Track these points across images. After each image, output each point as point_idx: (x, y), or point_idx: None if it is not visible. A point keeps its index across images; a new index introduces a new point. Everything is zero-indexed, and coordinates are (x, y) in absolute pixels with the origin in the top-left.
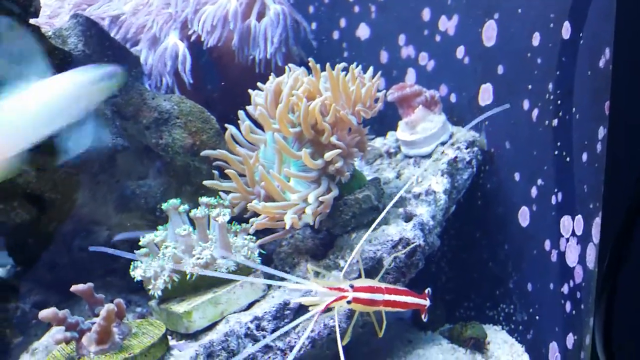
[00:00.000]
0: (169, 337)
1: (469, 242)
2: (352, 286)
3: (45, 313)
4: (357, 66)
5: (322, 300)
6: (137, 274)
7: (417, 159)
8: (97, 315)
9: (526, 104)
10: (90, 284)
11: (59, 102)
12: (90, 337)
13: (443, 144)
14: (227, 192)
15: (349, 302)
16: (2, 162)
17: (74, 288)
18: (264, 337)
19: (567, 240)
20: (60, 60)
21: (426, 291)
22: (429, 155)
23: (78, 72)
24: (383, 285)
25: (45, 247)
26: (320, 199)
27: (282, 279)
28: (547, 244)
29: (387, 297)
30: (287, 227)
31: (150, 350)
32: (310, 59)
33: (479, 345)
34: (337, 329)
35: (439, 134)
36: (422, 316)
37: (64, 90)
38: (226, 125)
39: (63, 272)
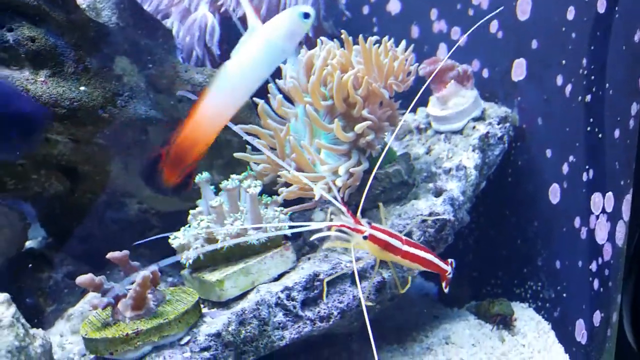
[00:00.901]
0: (201, 305)
1: (498, 219)
2: (369, 223)
3: (82, 279)
4: (389, 40)
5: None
6: (175, 243)
7: (447, 134)
8: (132, 283)
9: (559, 80)
10: (125, 252)
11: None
12: (125, 303)
13: (475, 119)
14: (258, 165)
15: (365, 238)
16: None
17: (110, 255)
18: (294, 307)
19: (597, 217)
20: (95, 33)
21: (449, 261)
22: (460, 131)
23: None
24: (404, 237)
25: (78, 219)
26: (350, 170)
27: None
28: (577, 221)
29: (405, 247)
30: (317, 197)
31: (184, 316)
32: (342, 31)
33: (505, 321)
34: (355, 266)
35: (471, 109)
36: (444, 285)
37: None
38: (256, 100)
39: (94, 244)
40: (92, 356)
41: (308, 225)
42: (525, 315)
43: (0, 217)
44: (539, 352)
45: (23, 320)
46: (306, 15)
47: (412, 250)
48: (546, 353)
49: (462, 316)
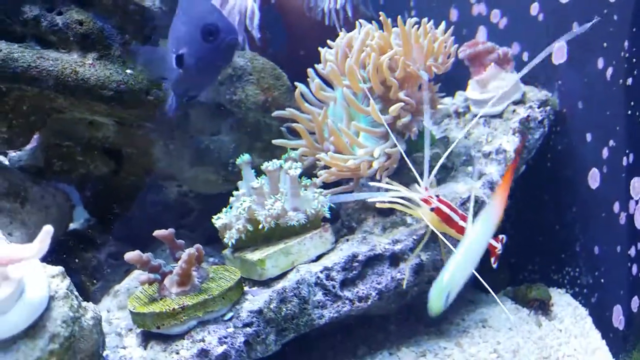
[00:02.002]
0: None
1: (536, 204)
2: (437, 196)
3: (130, 255)
4: (428, 21)
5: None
6: (218, 223)
7: (487, 118)
8: (177, 260)
9: (601, 63)
10: (171, 230)
11: None
12: (171, 279)
13: (515, 103)
14: (296, 150)
15: (431, 210)
16: None
17: (156, 233)
18: (334, 287)
19: (637, 202)
20: (140, 16)
21: (500, 237)
22: (499, 115)
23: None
24: (461, 212)
25: (120, 201)
26: (387, 151)
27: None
28: (616, 206)
29: (463, 223)
30: (346, 167)
31: (227, 293)
32: (381, 13)
33: (543, 306)
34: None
35: (511, 92)
36: (492, 260)
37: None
38: (296, 83)
39: (136, 226)
40: (139, 330)
41: (383, 193)
42: (562, 300)
43: (48, 197)
44: (575, 337)
45: (76, 293)
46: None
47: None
48: (583, 339)
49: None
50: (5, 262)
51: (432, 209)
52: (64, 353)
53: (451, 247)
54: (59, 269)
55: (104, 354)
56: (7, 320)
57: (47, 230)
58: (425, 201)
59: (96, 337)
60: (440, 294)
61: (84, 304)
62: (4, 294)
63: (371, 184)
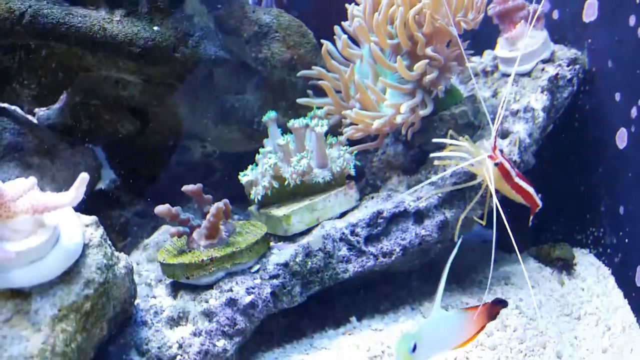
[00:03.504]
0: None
1: (563, 164)
2: (501, 151)
3: (160, 208)
4: None
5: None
6: (244, 180)
7: (515, 76)
8: (205, 215)
9: (632, 20)
10: (199, 185)
11: None
12: (200, 232)
13: (544, 61)
14: (322, 108)
15: (496, 165)
16: None
17: (185, 188)
18: (358, 242)
19: None
20: None
21: (539, 195)
22: (528, 73)
23: None
24: (516, 170)
25: (146, 161)
26: (410, 106)
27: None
28: None
29: (518, 180)
30: (373, 129)
31: (254, 246)
32: None
33: (566, 266)
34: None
35: (540, 51)
36: (530, 218)
37: None
38: (322, 40)
39: (161, 185)
40: (168, 281)
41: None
42: (585, 260)
43: (76, 155)
44: (597, 296)
45: (109, 242)
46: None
47: (521, 182)
48: (605, 297)
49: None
50: (41, 210)
51: (496, 164)
52: (98, 298)
53: (498, 205)
54: (93, 218)
55: (135, 302)
56: (43, 265)
57: (83, 178)
58: (490, 156)
59: (128, 286)
60: (407, 339)
61: (117, 253)
62: (40, 240)
63: (435, 140)
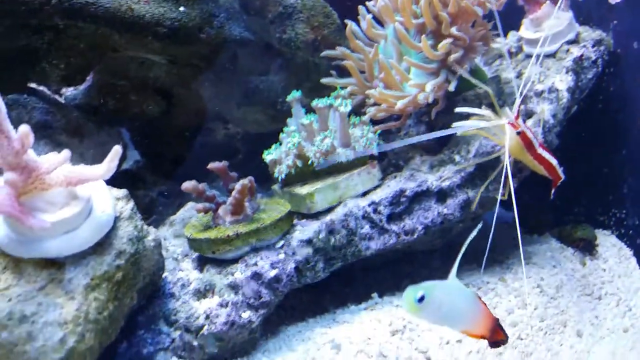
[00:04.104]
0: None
1: (585, 145)
2: (524, 121)
3: (187, 184)
4: None
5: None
6: (268, 158)
7: (540, 57)
8: (230, 192)
9: None
10: (225, 162)
11: None
12: (225, 208)
13: (569, 42)
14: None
15: (518, 133)
16: None
17: (211, 165)
18: (380, 220)
19: None
20: None
21: (561, 168)
22: (552, 54)
23: None
24: (540, 140)
25: (170, 141)
26: (434, 85)
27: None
28: None
29: (541, 150)
30: (397, 108)
31: (278, 223)
32: None
33: (588, 246)
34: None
35: (565, 32)
36: (552, 192)
37: None
38: (346, 21)
39: (185, 165)
40: (194, 255)
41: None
42: (607, 241)
43: (103, 134)
44: (619, 277)
45: (139, 215)
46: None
47: (544, 153)
48: (626, 278)
49: (543, 241)
50: (75, 182)
51: (518, 133)
52: (129, 268)
53: (510, 170)
54: (124, 191)
55: (163, 275)
56: (77, 236)
57: (117, 150)
58: (513, 125)
59: (157, 258)
60: (418, 289)
61: (146, 227)
62: (73, 211)
63: (458, 109)
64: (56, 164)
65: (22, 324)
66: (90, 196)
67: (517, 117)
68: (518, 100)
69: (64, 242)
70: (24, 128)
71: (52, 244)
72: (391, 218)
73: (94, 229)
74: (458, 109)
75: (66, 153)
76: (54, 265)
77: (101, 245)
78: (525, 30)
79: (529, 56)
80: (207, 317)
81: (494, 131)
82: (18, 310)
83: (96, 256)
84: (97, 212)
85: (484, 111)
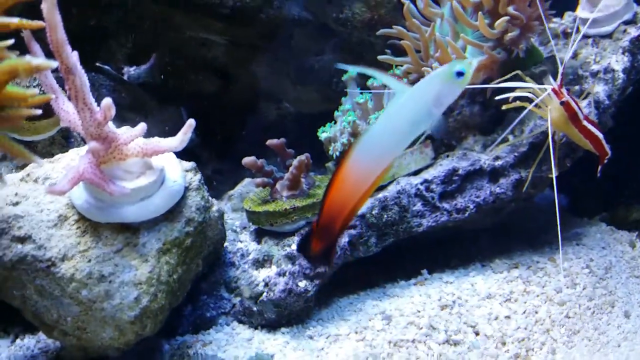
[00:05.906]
0: None
1: (638, 127)
2: (568, 90)
3: (247, 160)
4: None
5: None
6: (323, 137)
7: (596, 38)
8: (288, 167)
9: None
10: (283, 139)
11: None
12: (282, 184)
13: (626, 23)
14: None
15: (561, 104)
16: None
17: (269, 142)
18: (432, 198)
19: None
20: None
21: (608, 145)
22: (609, 35)
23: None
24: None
25: (226, 120)
26: (485, 62)
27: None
28: None
29: (586, 122)
30: None
31: None
32: None
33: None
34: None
35: (622, 12)
36: (598, 169)
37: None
38: (403, 0)
39: (239, 144)
40: (252, 228)
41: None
42: None
43: (164, 112)
44: None
45: (206, 187)
46: (459, 74)
47: (589, 126)
48: None
49: (593, 224)
50: (150, 153)
51: (562, 103)
52: (197, 235)
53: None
54: (192, 164)
55: (224, 245)
56: (151, 203)
57: (191, 123)
58: (557, 94)
59: (220, 228)
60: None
61: (211, 198)
62: (148, 180)
63: (498, 81)
64: (134, 135)
65: (100, 283)
66: (163, 167)
67: (560, 86)
68: (561, 69)
69: (140, 209)
70: (107, 101)
71: (129, 210)
72: (443, 196)
73: (167, 197)
74: (499, 80)
75: (142, 125)
76: (129, 230)
77: (172, 213)
78: (582, 11)
79: (585, 36)
80: (266, 284)
81: (540, 105)
82: (97, 270)
83: (168, 223)
84: (169, 182)
85: (527, 84)
